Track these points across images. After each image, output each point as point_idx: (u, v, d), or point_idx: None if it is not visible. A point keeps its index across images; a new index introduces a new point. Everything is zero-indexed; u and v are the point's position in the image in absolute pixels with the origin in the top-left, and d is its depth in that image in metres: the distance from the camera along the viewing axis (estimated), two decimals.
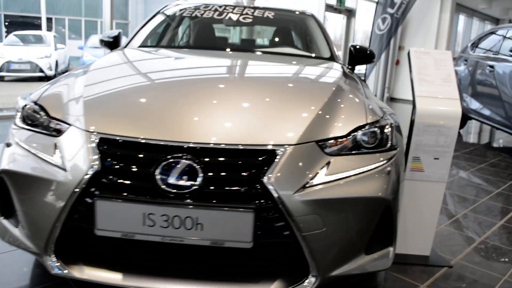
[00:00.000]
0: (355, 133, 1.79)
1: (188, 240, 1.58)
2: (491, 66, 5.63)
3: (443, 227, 2.94)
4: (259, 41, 3.94)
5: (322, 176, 1.64)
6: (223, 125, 1.72)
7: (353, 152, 1.76)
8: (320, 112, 1.83)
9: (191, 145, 1.60)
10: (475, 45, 6.56)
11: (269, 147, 1.62)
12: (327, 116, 1.83)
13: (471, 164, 4.85)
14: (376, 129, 1.84)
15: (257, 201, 1.56)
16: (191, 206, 1.55)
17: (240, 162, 1.60)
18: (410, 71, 2.37)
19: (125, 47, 3.01)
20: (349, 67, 3.16)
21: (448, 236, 2.81)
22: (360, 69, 11.19)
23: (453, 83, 2.30)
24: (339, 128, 1.79)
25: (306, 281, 1.64)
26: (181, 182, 1.57)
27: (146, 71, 2.34)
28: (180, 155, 1.58)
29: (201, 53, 2.90)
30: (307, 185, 1.59)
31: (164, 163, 1.57)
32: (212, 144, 1.61)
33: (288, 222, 1.56)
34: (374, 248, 1.82)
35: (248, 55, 2.87)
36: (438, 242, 2.68)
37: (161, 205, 1.56)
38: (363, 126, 1.82)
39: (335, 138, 1.74)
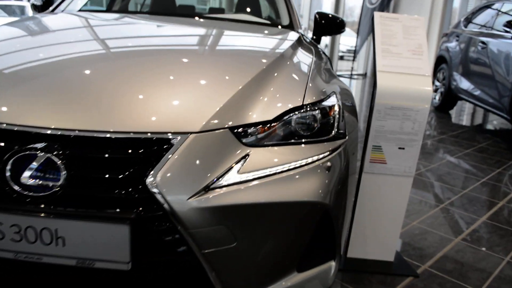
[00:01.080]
0: (287, 118, 1.37)
1: (48, 258, 1.18)
2: (484, 43, 5.17)
3: (415, 224, 2.55)
4: (213, 6, 3.48)
5: (233, 174, 1.24)
6: (106, 106, 1.28)
7: (283, 142, 1.35)
8: (242, 90, 1.42)
9: (50, 131, 1.18)
10: (468, 20, 6.08)
11: (160, 136, 1.21)
12: (252, 96, 1.41)
13: (457, 149, 4.45)
14: (315, 112, 1.44)
15: (137, 209, 1.15)
16: (47, 214, 1.15)
17: (119, 156, 1.19)
18: (373, 40, 1.93)
19: (53, 10, 2.57)
20: (314, 37, 2.72)
21: (419, 236, 2.42)
22: (353, 45, 10.66)
23: (424, 56, 1.87)
24: (266, 110, 1.38)
25: None
26: (38, 182, 1.15)
27: (44, 40, 1.87)
28: (38, 145, 1.16)
29: (133, 19, 2.44)
30: (211, 187, 1.20)
31: (17, 155, 1.15)
32: (77, 131, 1.19)
33: (183, 236, 1.18)
34: (309, 264, 1.44)
35: (188, 21, 2.42)
36: (406, 244, 2.30)
37: (9, 211, 1.15)
38: (298, 109, 1.41)
39: (258, 124, 1.34)
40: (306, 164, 1.34)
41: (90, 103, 1.27)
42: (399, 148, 1.88)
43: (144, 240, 1.18)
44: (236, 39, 2.15)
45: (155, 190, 1.15)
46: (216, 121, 1.27)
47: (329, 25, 2.68)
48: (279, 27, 2.53)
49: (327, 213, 1.38)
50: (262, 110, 1.37)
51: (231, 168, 1.23)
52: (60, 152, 1.15)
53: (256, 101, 1.40)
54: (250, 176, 1.24)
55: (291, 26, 2.53)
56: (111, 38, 1.96)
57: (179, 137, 1.21)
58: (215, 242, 1.20)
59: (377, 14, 1.98)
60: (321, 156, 1.38)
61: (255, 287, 1.33)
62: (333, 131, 1.46)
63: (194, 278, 1.27)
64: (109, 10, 2.91)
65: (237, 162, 1.25)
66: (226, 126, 1.28)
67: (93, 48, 1.76)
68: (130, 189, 1.17)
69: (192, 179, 1.19)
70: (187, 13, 2.89)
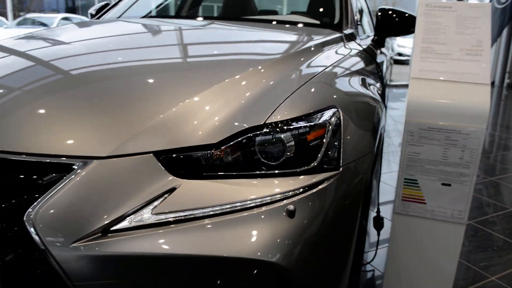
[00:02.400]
0: (239, 141, 1.02)
1: None
2: None
3: (493, 281, 1.92)
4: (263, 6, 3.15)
5: (146, 213, 0.93)
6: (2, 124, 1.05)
7: (229, 174, 1.00)
8: (187, 105, 1.09)
9: None
10: None
11: (54, 159, 0.96)
12: (200, 113, 1.08)
13: None
14: (285, 134, 1.05)
15: (13, 249, 0.91)
16: None
17: (2, 181, 0.96)
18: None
19: (98, 17, 2.51)
20: (376, 38, 2.26)
21: None
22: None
23: (484, 57, 1.33)
24: (213, 131, 1.03)
25: None
26: None
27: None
28: None
29: (160, 24, 2.22)
30: (111, 229, 0.91)
31: None
32: None
33: None
34: None
35: (191, 26, 2.10)
36: None
37: None
38: (257, 129, 1.03)
39: (198, 149, 1.01)
40: (254, 206, 0.97)
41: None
42: (443, 184, 1.36)
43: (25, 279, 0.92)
44: (231, 45, 1.76)
45: (32, 228, 0.89)
46: (136, 144, 0.97)
47: (395, 23, 2.19)
48: (318, 26, 2.11)
49: (286, 281, 0.98)
50: (208, 131, 1.03)
51: (145, 205, 0.92)
52: None
53: (203, 119, 1.06)
54: (170, 217, 0.93)
55: (339, 25, 2.10)
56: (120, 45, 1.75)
57: (78, 163, 0.93)
58: None
59: (422, 2, 1.47)
60: (278, 196, 0.99)
61: None
62: (316, 160, 1.06)
63: None
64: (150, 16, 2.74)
65: (157, 198, 0.93)
66: (150, 150, 0.97)
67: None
68: (8, 224, 0.92)
69: (85, 218, 0.91)
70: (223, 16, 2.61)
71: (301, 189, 1.02)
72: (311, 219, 1.02)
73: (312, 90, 1.23)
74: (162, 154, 0.97)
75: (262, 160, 1.04)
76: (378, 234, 1.80)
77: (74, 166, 0.93)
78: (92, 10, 2.74)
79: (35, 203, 0.90)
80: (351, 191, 1.17)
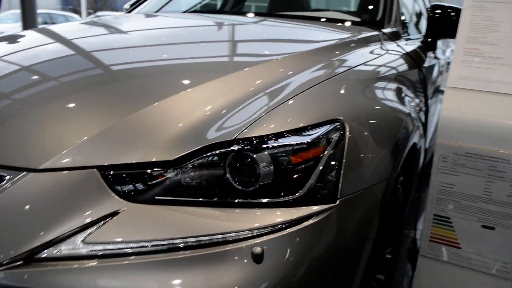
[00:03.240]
0: (202, 158, 0.81)
1: None
2: None
3: None
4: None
5: (79, 241, 0.77)
6: None
7: (192, 199, 0.82)
8: (144, 114, 0.90)
9: None
10: None
11: None
12: (159, 123, 0.88)
13: None
14: (258, 154, 0.82)
15: None
16: None
17: None
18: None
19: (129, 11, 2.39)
20: (427, 40, 1.95)
21: None
22: None
23: None
24: (173, 146, 0.83)
25: None
26: None
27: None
28: None
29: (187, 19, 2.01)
30: (35, 257, 0.76)
31: None
32: None
33: None
34: None
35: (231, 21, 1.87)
36: None
37: None
38: (224, 146, 0.80)
39: (150, 165, 0.82)
40: (212, 244, 0.77)
41: None
42: (484, 226, 1.05)
43: None
44: (236, 43, 1.51)
45: None
46: (78, 157, 0.82)
47: (450, 22, 1.85)
48: (358, 24, 1.83)
49: None
50: (167, 146, 0.82)
51: (79, 230, 0.76)
52: None
53: (162, 130, 0.85)
54: (102, 249, 0.75)
55: (380, 23, 1.80)
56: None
57: (7, 176, 0.80)
58: None
59: None
60: (243, 233, 0.77)
61: None
62: (303, 189, 0.83)
63: None
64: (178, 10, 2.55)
65: (94, 223, 0.76)
66: (93, 164, 0.80)
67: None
68: None
69: (7, 240, 0.77)
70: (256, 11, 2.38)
71: (277, 226, 0.79)
72: (286, 267, 0.78)
73: (314, 97, 0.98)
74: (106, 169, 0.80)
75: (232, 185, 0.82)
76: (412, 273, 1.48)
77: (4, 178, 0.79)
78: (127, 5, 2.64)
79: None
80: (351, 230, 0.92)
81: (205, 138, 0.83)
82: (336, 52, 1.30)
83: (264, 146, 0.84)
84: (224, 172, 0.82)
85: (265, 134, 0.85)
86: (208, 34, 1.60)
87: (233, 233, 0.78)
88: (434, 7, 1.86)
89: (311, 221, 0.83)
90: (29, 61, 1.25)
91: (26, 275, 0.74)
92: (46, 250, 0.76)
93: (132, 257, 0.75)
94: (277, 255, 0.79)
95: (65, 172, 0.80)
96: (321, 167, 0.87)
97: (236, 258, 0.77)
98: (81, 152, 0.82)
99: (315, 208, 0.85)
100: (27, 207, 0.78)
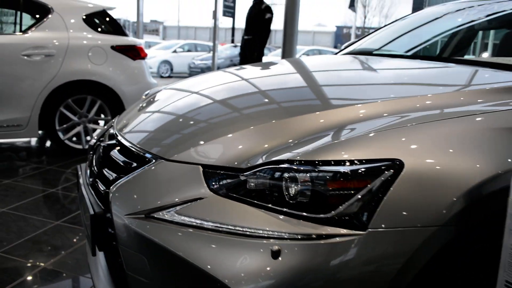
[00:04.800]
0: (258, 171, 1.10)
1: None
2: None
3: None
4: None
5: (175, 211, 1.11)
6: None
7: (244, 199, 1.08)
8: (252, 131, 1.26)
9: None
10: None
11: (142, 153, 1.33)
12: (258, 139, 1.22)
13: None
14: (302, 174, 1.05)
15: (99, 207, 1.32)
16: None
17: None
18: None
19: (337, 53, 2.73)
20: None
21: None
22: None
23: None
24: (252, 157, 1.14)
25: None
26: None
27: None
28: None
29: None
30: (151, 214, 1.13)
31: None
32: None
33: (117, 248, 1.20)
34: None
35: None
36: None
37: None
38: (278, 163, 1.06)
39: (228, 169, 1.13)
40: (245, 235, 1.02)
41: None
42: None
43: (103, 234, 1.26)
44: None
45: (109, 197, 1.23)
46: (193, 156, 1.20)
47: None
48: None
49: None
50: (247, 158, 1.12)
51: (176, 204, 1.10)
52: None
53: (256, 144, 1.17)
54: (186, 220, 1.07)
55: None
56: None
57: (154, 160, 1.25)
58: (136, 269, 1.14)
59: None
60: (269, 233, 0.98)
61: None
62: (335, 211, 0.97)
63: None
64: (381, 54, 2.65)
65: (185, 202, 1.09)
66: (199, 162, 1.17)
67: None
68: (105, 190, 1.31)
69: (139, 199, 1.17)
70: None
71: (300, 235, 0.95)
72: (297, 269, 0.93)
73: (390, 135, 1.07)
74: (206, 167, 1.14)
75: (282, 195, 1.03)
76: None
77: (152, 160, 1.25)
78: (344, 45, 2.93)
79: (117, 182, 1.26)
80: (374, 264, 0.95)
81: (270, 156, 1.08)
82: (469, 98, 1.28)
83: (307, 168, 1.01)
84: (276, 184, 1.03)
85: (311, 159, 1.01)
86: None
87: (264, 231, 0.99)
88: None
89: (331, 240, 0.94)
90: (262, 85, 1.78)
91: (140, 224, 1.12)
92: (155, 213, 1.11)
93: (197, 230, 1.04)
94: (293, 258, 0.94)
95: (185, 164, 1.17)
96: (358, 197, 0.96)
97: (259, 249, 0.97)
98: (197, 153, 1.20)
99: (343, 231, 0.95)
100: (155, 182, 1.18)
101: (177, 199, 1.10)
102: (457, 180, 0.99)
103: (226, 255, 0.99)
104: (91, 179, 1.49)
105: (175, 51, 17.43)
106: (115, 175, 1.32)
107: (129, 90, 4.15)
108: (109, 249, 1.27)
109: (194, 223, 1.05)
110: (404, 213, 0.97)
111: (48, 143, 4.60)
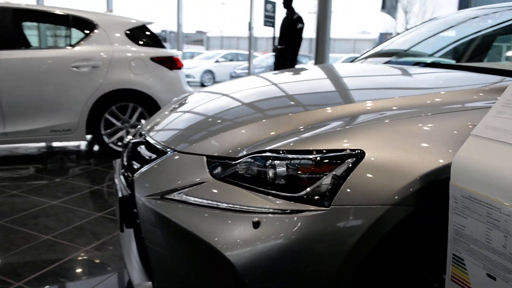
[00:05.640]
0: (245, 159, 1.33)
1: None
2: None
3: None
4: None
5: (183, 193, 1.36)
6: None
7: (234, 181, 1.33)
8: (252, 127, 1.51)
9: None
10: None
11: (162, 147, 1.60)
12: (252, 133, 1.46)
13: None
14: (278, 162, 1.29)
15: (126, 192, 1.58)
16: None
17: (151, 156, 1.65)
18: None
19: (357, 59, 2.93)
20: None
21: None
22: None
23: None
24: (241, 149, 1.38)
25: None
26: None
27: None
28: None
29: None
30: (165, 196, 1.37)
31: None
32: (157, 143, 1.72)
33: (139, 223, 1.46)
34: None
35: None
36: None
37: None
38: (264, 152, 1.33)
39: (224, 159, 1.38)
40: (232, 210, 1.25)
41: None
42: (488, 275, 1.07)
43: (129, 213, 1.54)
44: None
45: (134, 183, 1.50)
46: (198, 148, 1.45)
47: None
48: None
49: (233, 271, 1.19)
50: (243, 147, 1.37)
51: (184, 187, 1.35)
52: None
53: (242, 141, 1.40)
54: (191, 200, 1.32)
55: None
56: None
57: (170, 150, 1.51)
58: (153, 241, 1.38)
59: None
60: (253, 208, 1.22)
61: None
62: (305, 191, 1.21)
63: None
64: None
65: (192, 184, 1.34)
66: (202, 153, 1.42)
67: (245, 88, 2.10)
68: (132, 177, 1.56)
69: (156, 184, 1.43)
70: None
71: (277, 210, 1.20)
72: (274, 237, 1.16)
73: (354, 131, 1.29)
74: (209, 157, 1.39)
75: (262, 177, 1.27)
76: None
77: (167, 152, 1.53)
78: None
79: (140, 170, 1.53)
80: (336, 235, 1.17)
81: (256, 148, 1.32)
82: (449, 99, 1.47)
83: (283, 156, 1.24)
84: (259, 170, 1.27)
85: (288, 149, 1.25)
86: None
87: (251, 207, 1.22)
88: None
89: (302, 214, 1.17)
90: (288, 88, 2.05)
91: (157, 203, 1.36)
92: (168, 194, 1.35)
93: (199, 207, 1.28)
94: (269, 227, 1.18)
95: (192, 155, 1.43)
96: (324, 180, 1.19)
97: (241, 220, 1.21)
98: (203, 145, 1.45)
99: (311, 207, 1.18)
100: (168, 169, 1.44)
101: (185, 183, 1.35)
102: (409, 168, 1.19)
103: (219, 227, 1.22)
104: (122, 170, 1.78)
105: (217, 61, 17.96)
106: (139, 165, 1.60)
107: (167, 98, 4.50)
108: (134, 226, 1.55)
109: (198, 202, 1.29)
110: (363, 193, 1.17)
111: (95, 147, 5.02)
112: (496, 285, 1.04)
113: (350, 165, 1.20)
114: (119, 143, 4.53)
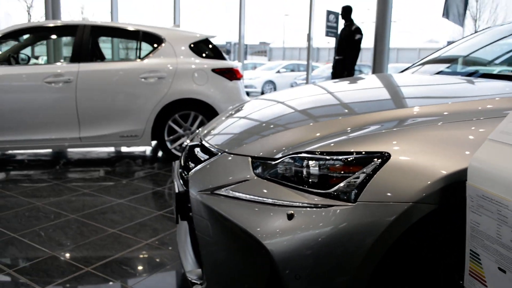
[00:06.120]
0: (283, 160, 1.50)
1: None
2: None
3: None
4: None
5: (228, 189, 1.53)
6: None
7: (274, 179, 1.49)
8: (295, 131, 1.68)
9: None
10: None
11: (212, 149, 1.81)
12: (294, 136, 1.62)
13: None
14: (311, 162, 1.45)
15: (181, 188, 1.80)
16: None
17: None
18: None
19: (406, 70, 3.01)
20: None
21: None
22: None
23: None
24: (280, 151, 1.54)
25: (194, 280, 1.68)
26: None
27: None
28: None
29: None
30: (214, 192, 1.55)
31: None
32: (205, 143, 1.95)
33: (191, 216, 1.64)
34: None
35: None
36: None
37: None
38: (299, 152, 1.48)
39: (265, 159, 1.55)
40: (271, 204, 1.41)
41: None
42: (500, 269, 1.14)
43: (184, 207, 1.73)
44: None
45: (187, 180, 1.69)
46: (244, 150, 1.63)
47: None
48: None
49: (271, 258, 1.35)
50: (280, 151, 1.53)
51: (231, 184, 1.52)
52: None
53: (281, 143, 1.57)
54: (237, 195, 1.48)
55: None
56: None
57: (219, 153, 1.71)
58: (203, 231, 1.55)
59: None
60: (288, 202, 1.38)
61: (222, 284, 1.56)
62: (334, 189, 1.36)
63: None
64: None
65: (238, 182, 1.51)
66: (249, 154, 1.59)
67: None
68: (187, 175, 1.75)
69: (207, 181, 1.60)
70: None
71: (309, 204, 1.35)
72: (306, 227, 1.32)
73: (382, 135, 1.41)
74: (253, 158, 1.56)
75: (298, 176, 1.43)
76: None
77: (217, 154, 1.71)
78: None
79: (193, 170, 1.71)
80: (360, 229, 1.30)
81: (292, 150, 1.48)
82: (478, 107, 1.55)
83: (317, 157, 1.39)
84: (296, 169, 1.43)
85: (321, 151, 1.40)
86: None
87: (286, 201, 1.38)
88: None
89: (331, 208, 1.31)
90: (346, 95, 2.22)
91: (207, 197, 1.53)
92: (217, 190, 1.52)
93: (243, 201, 1.45)
94: (302, 219, 1.33)
95: (239, 156, 1.60)
96: (353, 179, 1.33)
97: (278, 213, 1.37)
98: (249, 147, 1.62)
99: (336, 202, 1.32)
100: (219, 169, 1.62)
101: (232, 180, 1.52)
102: (431, 170, 1.29)
103: (259, 219, 1.37)
104: (180, 170, 1.99)
105: (278, 71, 18.23)
106: (194, 165, 1.81)
107: (226, 107, 4.74)
108: (188, 219, 1.75)
109: (242, 197, 1.45)
110: (387, 191, 1.29)
111: (159, 153, 5.39)
112: (506, 278, 1.12)
113: (377, 166, 1.32)
114: (181, 149, 4.84)
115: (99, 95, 4.46)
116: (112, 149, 5.46)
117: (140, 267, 2.38)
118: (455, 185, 1.28)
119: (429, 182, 1.28)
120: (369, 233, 1.29)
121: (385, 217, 1.28)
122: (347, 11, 6.98)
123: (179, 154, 4.73)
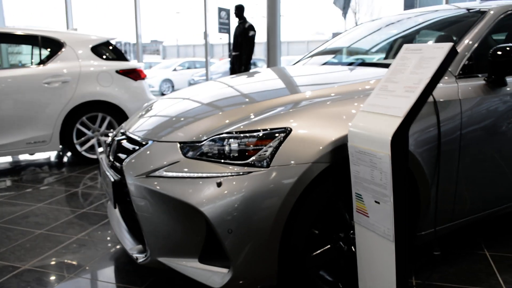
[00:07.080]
0: (204, 141, 1.82)
1: None
2: None
3: None
4: None
5: (162, 170, 1.82)
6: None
7: (200, 157, 1.82)
8: (218, 117, 2.00)
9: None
10: None
11: (144, 140, 2.07)
12: (216, 121, 1.95)
13: None
14: (231, 140, 1.76)
15: (117, 176, 2.04)
16: None
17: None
18: None
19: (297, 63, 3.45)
20: (492, 77, 2.25)
21: None
22: None
23: (415, 93, 1.51)
24: (205, 133, 1.86)
25: (137, 255, 1.94)
26: None
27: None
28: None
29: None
30: (149, 175, 1.83)
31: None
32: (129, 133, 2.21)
33: (131, 200, 1.87)
34: (211, 261, 1.79)
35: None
36: None
37: None
38: (220, 134, 1.80)
39: (191, 142, 1.86)
40: (202, 178, 1.73)
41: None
42: (375, 201, 1.60)
43: (120, 193, 1.98)
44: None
45: (123, 168, 1.94)
46: (172, 137, 1.94)
47: None
48: None
49: (208, 222, 1.66)
50: (201, 134, 1.84)
51: (164, 166, 1.81)
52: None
53: (205, 127, 1.87)
54: (170, 174, 1.78)
55: None
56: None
57: (149, 142, 1.97)
58: (143, 209, 1.82)
59: (404, 47, 1.69)
60: (216, 174, 1.69)
61: (164, 253, 1.83)
62: (249, 159, 1.69)
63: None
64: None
65: (170, 164, 1.81)
66: (177, 140, 1.89)
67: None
68: (120, 165, 2.01)
69: (142, 167, 1.87)
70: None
71: (233, 173, 1.68)
72: (236, 191, 1.66)
73: (283, 115, 1.79)
74: (180, 143, 1.86)
75: (221, 152, 1.75)
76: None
77: (148, 142, 1.97)
78: None
79: (127, 158, 1.96)
80: (274, 186, 1.67)
81: (214, 132, 1.80)
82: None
83: (235, 136, 1.73)
84: (219, 147, 1.76)
85: (237, 131, 1.74)
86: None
87: (215, 173, 1.70)
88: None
89: (251, 174, 1.66)
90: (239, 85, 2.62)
91: (144, 180, 1.81)
92: (152, 173, 1.81)
93: (176, 179, 1.75)
94: (230, 186, 1.66)
95: (168, 143, 1.89)
96: (264, 150, 1.68)
97: (208, 183, 1.69)
98: (176, 135, 1.91)
99: (255, 169, 1.67)
100: (150, 155, 1.90)
101: (164, 163, 1.83)
102: (323, 138, 1.72)
103: (193, 190, 1.70)
104: (109, 162, 2.22)
105: (175, 69, 18.31)
106: (126, 155, 2.05)
107: (133, 106, 4.91)
108: (124, 202, 2.00)
109: (175, 176, 1.77)
110: (291, 156, 1.69)
111: (65, 158, 5.35)
112: (380, 207, 1.57)
113: (282, 138, 1.71)
114: (91, 151, 4.90)
115: (0, 102, 4.36)
116: (10, 158, 5.31)
117: (77, 259, 2.55)
118: (342, 147, 1.72)
119: (321, 147, 1.70)
120: (282, 188, 1.68)
121: (293, 176, 1.68)
122: (240, 10, 7.44)
123: (90, 156, 4.81)
